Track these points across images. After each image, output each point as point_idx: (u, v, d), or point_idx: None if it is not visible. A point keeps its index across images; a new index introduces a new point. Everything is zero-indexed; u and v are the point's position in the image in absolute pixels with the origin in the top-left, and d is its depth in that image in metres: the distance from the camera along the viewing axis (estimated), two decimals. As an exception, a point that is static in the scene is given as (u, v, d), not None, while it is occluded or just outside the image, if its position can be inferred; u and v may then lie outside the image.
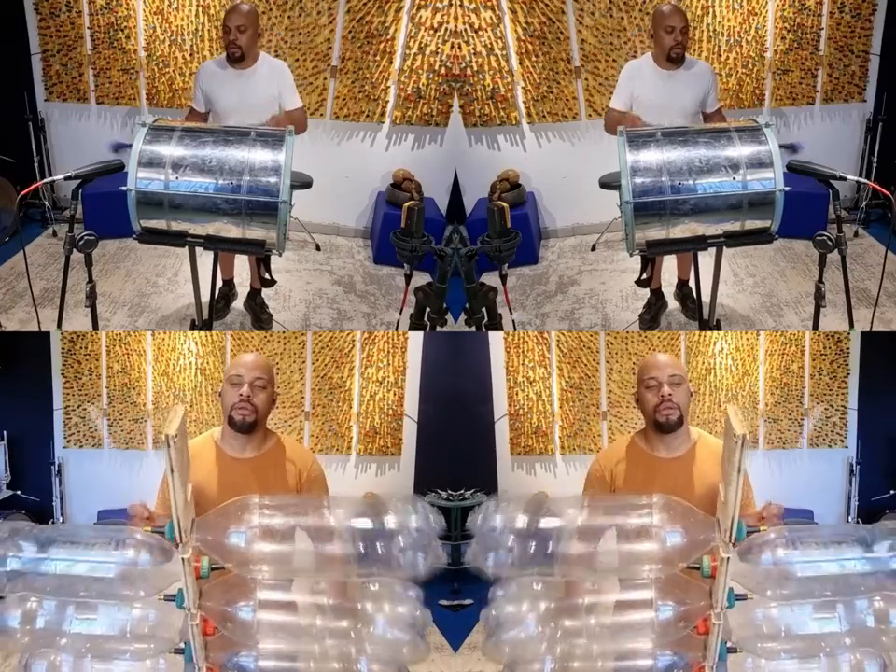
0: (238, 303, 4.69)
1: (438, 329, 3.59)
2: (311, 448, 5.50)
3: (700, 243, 3.26)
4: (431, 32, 5.31)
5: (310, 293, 5.04)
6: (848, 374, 5.61)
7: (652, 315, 4.58)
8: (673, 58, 4.02)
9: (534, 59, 5.44)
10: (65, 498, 5.61)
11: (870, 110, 5.76)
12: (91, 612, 2.13)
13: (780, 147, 3.10)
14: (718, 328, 3.90)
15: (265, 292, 4.60)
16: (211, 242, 3.26)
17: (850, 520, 5.49)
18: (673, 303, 4.66)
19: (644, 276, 4.32)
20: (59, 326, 3.43)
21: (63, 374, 5.65)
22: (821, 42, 5.64)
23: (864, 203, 5.68)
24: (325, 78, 5.54)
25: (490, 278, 3.69)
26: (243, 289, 4.67)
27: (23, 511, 5.38)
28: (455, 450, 5.31)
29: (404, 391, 5.62)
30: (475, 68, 5.37)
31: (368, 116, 5.56)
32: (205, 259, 3.46)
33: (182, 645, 2.15)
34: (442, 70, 5.36)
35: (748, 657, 2.22)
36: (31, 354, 5.60)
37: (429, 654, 2.17)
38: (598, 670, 2.18)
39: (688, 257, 4.10)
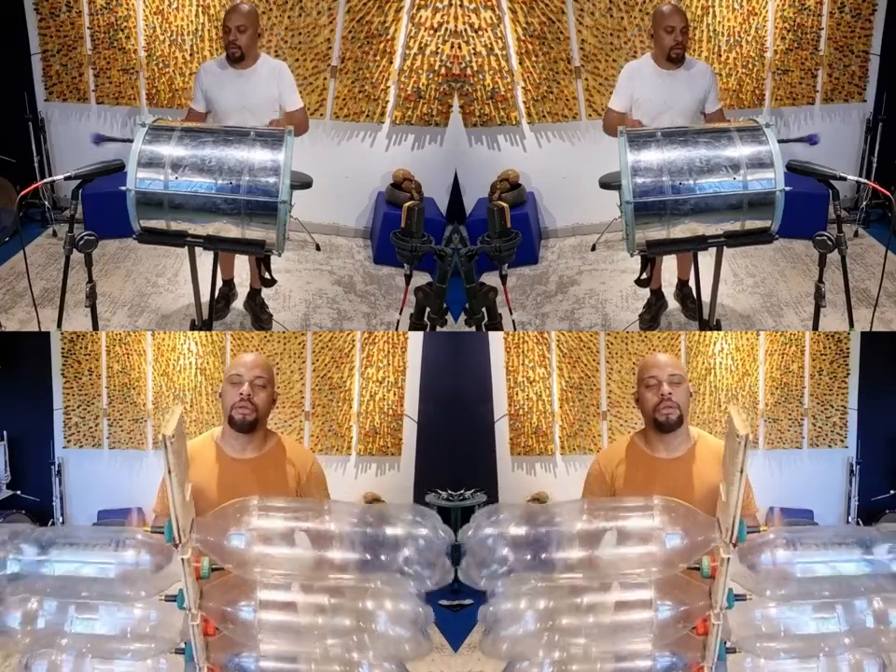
0: (238, 303, 4.69)
1: (438, 328, 3.59)
2: (311, 448, 5.50)
3: (700, 243, 3.25)
4: (431, 32, 5.31)
5: (310, 293, 5.03)
6: (848, 374, 5.61)
7: (652, 315, 4.58)
8: (673, 58, 4.02)
9: (534, 59, 5.44)
10: (65, 498, 5.61)
11: (870, 110, 5.76)
12: (92, 612, 2.13)
13: (798, 140, 3.08)
14: (718, 328, 3.90)
15: (265, 292, 4.60)
16: (211, 242, 3.26)
17: (850, 520, 5.49)
18: (673, 303, 4.66)
19: (644, 276, 4.32)
20: (59, 326, 3.43)
21: (62, 374, 5.65)
22: (821, 42, 5.64)
23: (864, 202, 5.68)
24: (325, 78, 5.54)
25: (490, 278, 3.69)
26: (243, 289, 4.67)
27: (23, 512, 5.38)
28: (455, 450, 5.31)
29: (404, 391, 5.62)
30: (475, 68, 5.37)
31: (368, 116, 5.56)
32: (205, 259, 3.45)
33: (183, 645, 2.15)
34: (442, 70, 5.36)
35: (747, 657, 2.22)
36: (31, 354, 5.60)
37: (431, 650, 2.15)
38: (598, 671, 2.18)
39: (688, 257, 4.10)
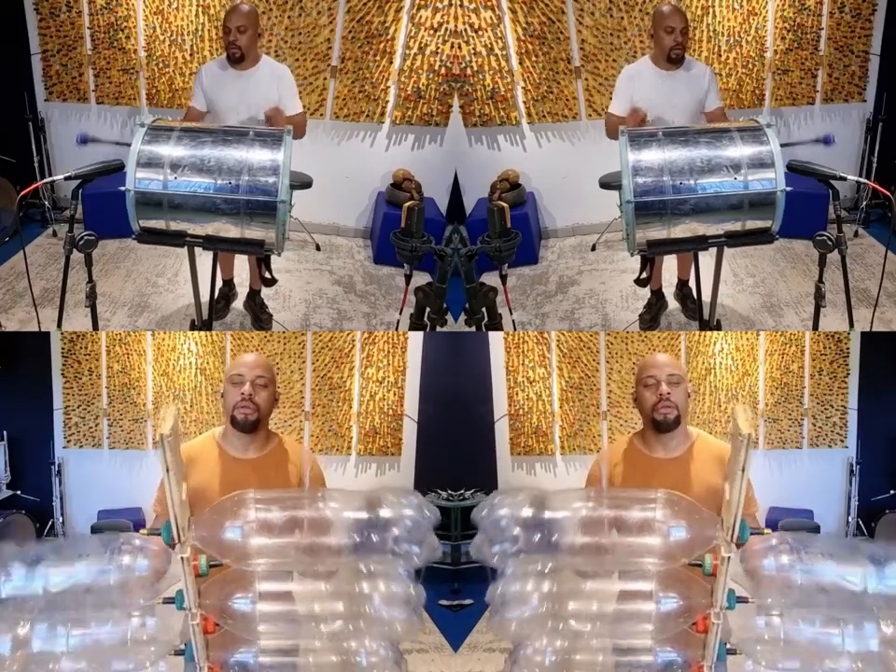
0: (238, 303, 4.69)
1: (438, 328, 3.59)
2: (311, 448, 5.50)
3: (701, 243, 3.25)
4: (431, 32, 5.31)
5: (310, 293, 5.03)
6: (848, 374, 5.61)
7: (652, 315, 4.58)
8: (673, 58, 4.01)
9: (534, 59, 5.44)
10: (65, 498, 5.61)
11: (870, 110, 5.76)
12: (86, 627, 2.11)
13: (814, 141, 3.09)
14: (718, 328, 3.90)
15: (265, 292, 4.60)
16: (210, 242, 3.26)
17: (850, 520, 5.49)
18: (673, 303, 4.66)
19: (643, 275, 4.32)
20: (59, 326, 3.43)
21: (63, 374, 5.66)
22: (821, 42, 5.64)
23: (864, 203, 5.68)
24: (325, 78, 5.54)
25: (490, 278, 3.69)
26: (243, 289, 4.67)
27: (23, 512, 5.38)
28: (455, 450, 5.31)
29: (404, 391, 5.63)
30: (475, 68, 5.37)
31: (368, 116, 5.56)
32: (205, 259, 3.45)
33: (182, 647, 2.15)
34: (442, 70, 5.36)
35: (748, 660, 2.21)
36: (31, 354, 5.60)
37: (423, 625, 2.20)
38: (599, 663, 2.19)
39: (688, 257, 4.09)
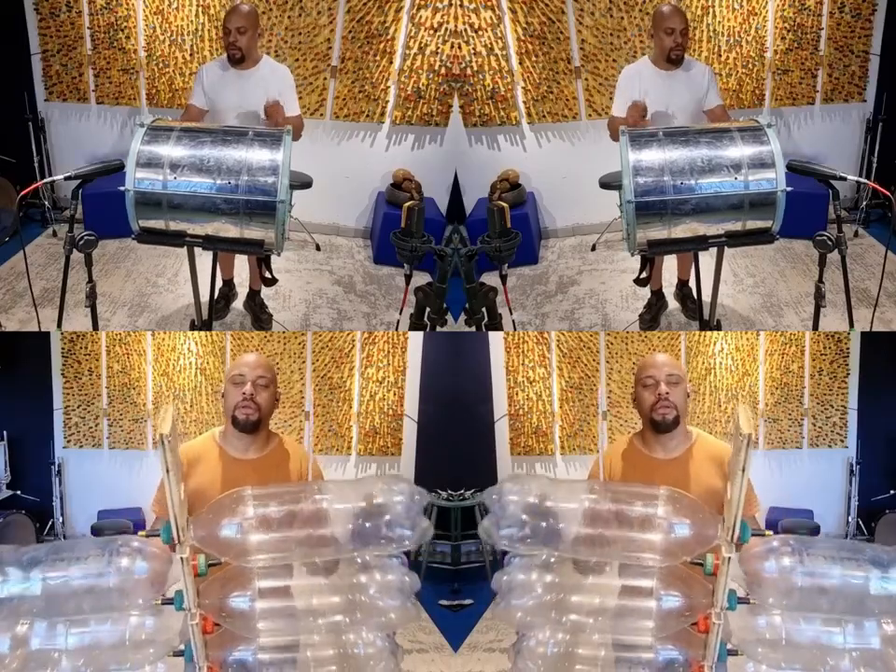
0: (238, 303, 4.69)
1: (438, 328, 3.59)
2: (311, 448, 5.50)
3: (701, 243, 3.25)
4: (431, 32, 5.31)
5: (310, 293, 5.03)
6: (848, 374, 5.61)
7: (652, 315, 4.58)
8: (673, 59, 4.01)
9: (534, 59, 5.44)
10: (65, 498, 5.61)
11: (870, 110, 5.76)
12: (85, 627, 2.11)
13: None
14: (718, 328, 3.90)
15: (265, 292, 4.60)
16: (210, 242, 3.26)
17: (850, 520, 5.49)
18: (673, 303, 4.66)
19: (643, 275, 4.32)
20: (59, 326, 3.43)
21: (62, 374, 5.66)
22: (821, 42, 5.64)
23: (864, 203, 5.68)
24: (325, 78, 5.54)
25: (490, 278, 3.69)
26: (243, 289, 4.67)
27: (23, 511, 5.38)
28: (455, 450, 5.31)
29: (404, 391, 5.63)
30: (475, 68, 5.37)
31: (368, 116, 5.56)
32: (205, 258, 3.46)
33: (181, 647, 2.15)
34: (442, 70, 5.36)
35: (749, 661, 2.21)
36: (31, 354, 5.60)
37: (418, 616, 2.24)
38: (601, 657, 2.21)
39: (688, 257, 4.09)
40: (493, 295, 3.49)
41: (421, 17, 5.31)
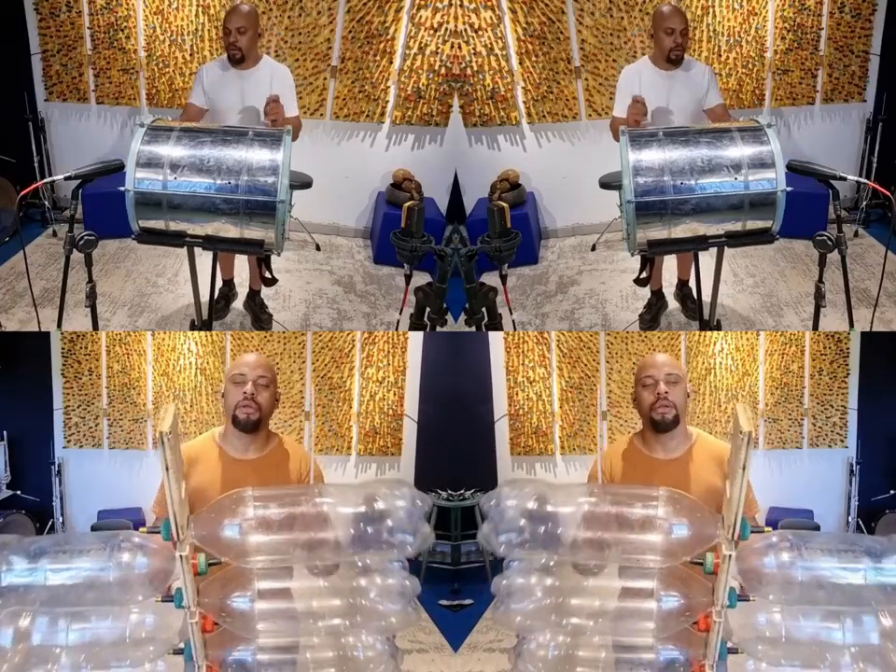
0: (238, 303, 4.69)
1: (438, 328, 3.59)
2: (311, 448, 5.50)
3: (701, 243, 3.25)
4: (431, 32, 5.31)
5: (310, 293, 5.03)
6: (848, 374, 5.61)
7: (652, 315, 4.58)
8: (672, 59, 4.01)
9: (534, 59, 5.44)
10: (65, 498, 5.61)
11: (870, 110, 5.76)
12: (86, 622, 2.12)
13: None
14: (718, 328, 3.90)
15: (265, 292, 4.60)
16: (210, 242, 3.26)
17: (850, 520, 5.49)
18: (673, 303, 4.66)
19: (643, 275, 4.32)
20: (59, 326, 3.42)
21: (63, 374, 5.66)
22: (821, 42, 5.64)
23: (864, 203, 5.68)
24: (325, 78, 5.54)
25: (490, 278, 3.69)
26: (243, 289, 4.67)
27: (23, 512, 5.38)
28: (455, 450, 5.31)
29: (404, 391, 5.63)
30: (475, 68, 5.37)
31: (368, 116, 5.56)
32: (205, 259, 3.45)
33: (181, 645, 2.15)
34: (442, 70, 5.36)
35: (749, 660, 2.22)
36: (31, 354, 5.60)
37: (419, 620, 2.24)
38: (601, 659, 2.21)
39: (688, 257, 4.09)
40: (493, 295, 3.49)
41: (421, 17, 5.31)
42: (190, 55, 5.61)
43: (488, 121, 5.49)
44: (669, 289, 4.64)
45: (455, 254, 3.39)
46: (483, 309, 3.49)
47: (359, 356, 5.59)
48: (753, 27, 5.57)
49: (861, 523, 5.46)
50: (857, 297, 4.58)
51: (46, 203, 5.60)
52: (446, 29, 5.28)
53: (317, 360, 5.61)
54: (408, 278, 3.46)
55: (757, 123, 3.18)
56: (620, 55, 5.45)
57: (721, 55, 5.59)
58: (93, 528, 4.76)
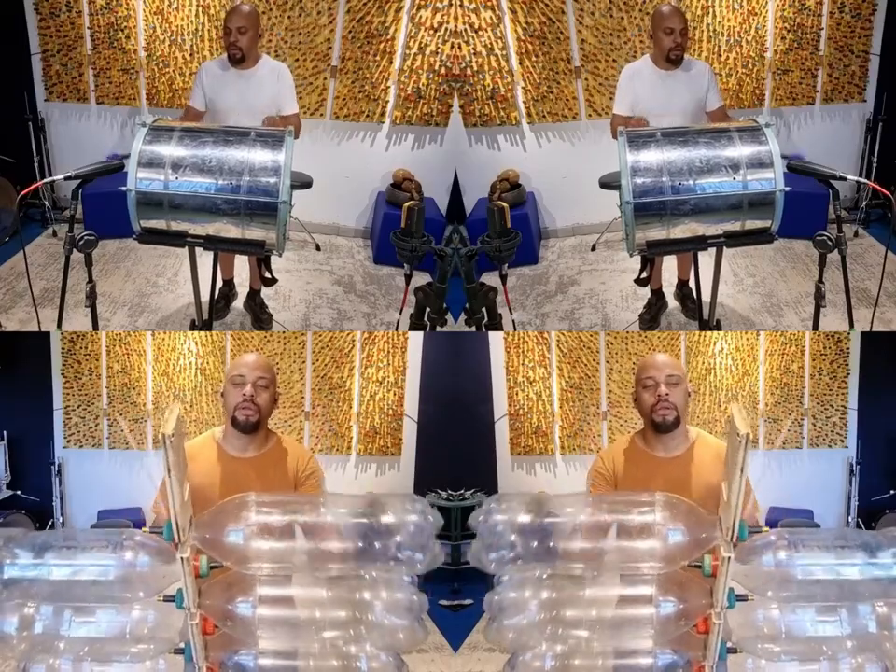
0: (238, 303, 4.69)
1: (438, 328, 3.59)
2: (311, 448, 5.51)
3: (700, 243, 3.26)
4: (431, 32, 5.31)
5: (310, 293, 5.04)
6: (848, 374, 5.61)
7: (652, 315, 4.58)
8: (672, 59, 4.02)
9: (534, 59, 5.44)
10: (65, 498, 5.61)
11: (870, 110, 5.76)
12: (90, 616, 2.12)
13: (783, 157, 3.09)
14: (718, 328, 3.90)
15: (265, 292, 4.60)
16: (211, 242, 3.26)
17: (850, 520, 5.49)
18: (673, 303, 4.66)
19: (643, 275, 4.32)
20: (59, 326, 3.43)
21: (63, 374, 5.65)
22: (821, 42, 5.64)
23: (864, 202, 5.68)
24: (325, 78, 5.54)
25: (490, 278, 3.69)
26: (243, 289, 4.67)
27: (23, 511, 5.38)
28: (455, 450, 5.31)
29: (404, 391, 5.62)
30: (475, 68, 5.37)
31: (368, 116, 5.56)
32: (205, 259, 3.46)
33: (182, 645, 2.15)
34: (442, 70, 5.36)
35: (748, 658, 2.22)
36: (31, 354, 5.60)
37: (426, 638, 2.17)
38: (599, 667, 2.19)
39: (688, 257, 4.09)
40: (493, 295, 3.49)
41: (421, 17, 5.31)
42: (190, 55, 5.61)
43: (488, 121, 5.50)
44: (669, 289, 4.64)
45: (455, 254, 3.39)
46: (483, 309, 3.49)
47: (359, 356, 5.59)
48: (753, 27, 5.57)
49: (861, 523, 5.46)
50: (857, 297, 4.58)
51: (46, 202, 5.60)
52: (446, 29, 5.28)
53: (317, 360, 5.61)
54: (408, 278, 3.46)
55: (755, 123, 3.18)
56: (620, 55, 5.45)
57: (721, 55, 5.59)
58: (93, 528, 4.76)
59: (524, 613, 2.12)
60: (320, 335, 5.53)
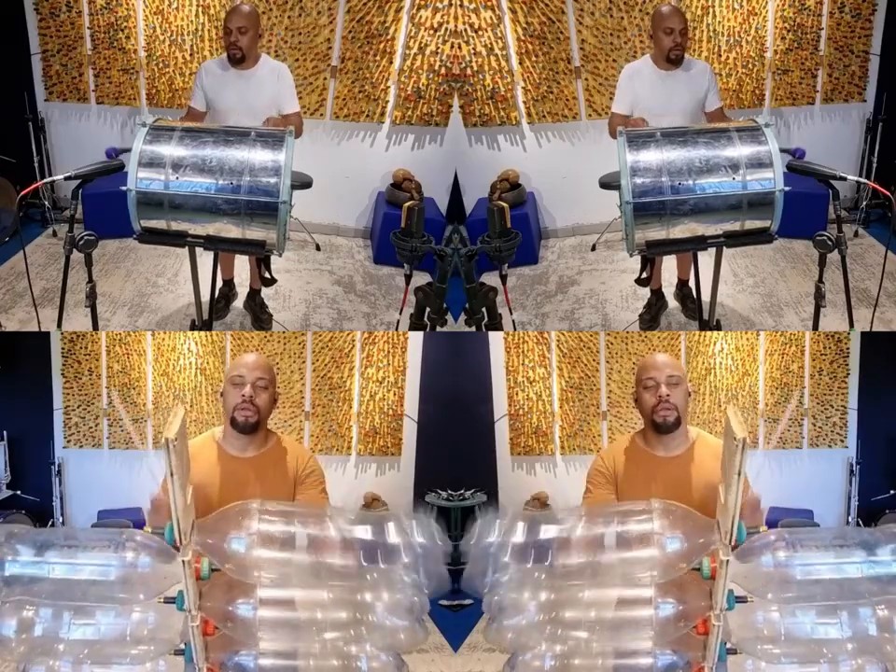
0: (238, 303, 4.69)
1: (438, 329, 3.59)
2: (311, 448, 5.51)
3: (700, 243, 3.26)
4: (431, 32, 5.31)
5: (310, 293, 5.04)
6: (848, 374, 5.61)
7: (652, 315, 4.58)
8: (672, 59, 4.01)
9: (534, 59, 5.44)
10: (65, 498, 5.61)
11: (870, 110, 5.76)
12: (90, 618, 2.12)
13: (784, 150, 3.08)
14: (718, 328, 3.90)
15: (265, 292, 4.60)
16: (211, 242, 3.26)
17: (850, 520, 5.49)
18: (673, 303, 4.66)
19: (644, 275, 4.32)
20: (59, 326, 3.43)
21: (62, 374, 5.66)
22: (821, 42, 5.64)
23: (864, 203, 5.68)
24: (325, 78, 5.54)
25: (490, 278, 3.69)
26: (243, 289, 4.67)
27: (23, 512, 5.38)
28: (455, 450, 5.31)
29: (404, 391, 5.63)
30: (475, 68, 5.37)
31: (368, 116, 5.56)
32: (205, 259, 3.46)
33: (182, 646, 2.15)
34: (442, 70, 5.36)
35: (748, 658, 2.22)
36: (31, 354, 5.60)
37: (427, 639, 2.17)
38: (598, 667, 2.19)
39: (688, 257, 4.10)
40: (493, 295, 3.49)
41: (421, 17, 5.31)
42: (190, 55, 5.61)
43: (488, 121, 5.49)
44: (669, 289, 4.64)
45: (455, 254, 3.39)
46: (483, 309, 3.49)
47: (359, 356, 5.60)
48: (753, 27, 5.57)
49: (861, 523, 5.46)
50: (857, 297, 4.58)
51: (46, 202, 5.60)
52: (446, 29, 5.28)
53: (317, 360, 5.61)
54: (408, 278, 3.46)
55: (755, 123, 3.18)
56: (620, 55, 5.45)
57: (721, 55, 5.59)
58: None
59: (523, 614, 2.11)
60: (320, 335, 5.53)
